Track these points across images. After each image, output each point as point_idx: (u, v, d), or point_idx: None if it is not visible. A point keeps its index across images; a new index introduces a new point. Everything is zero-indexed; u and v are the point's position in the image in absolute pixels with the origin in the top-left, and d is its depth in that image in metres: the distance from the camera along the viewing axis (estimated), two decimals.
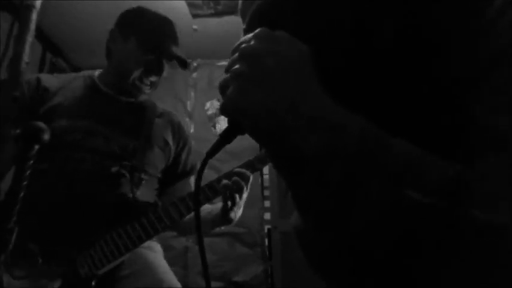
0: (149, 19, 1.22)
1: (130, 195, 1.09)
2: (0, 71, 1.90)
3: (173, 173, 1.28)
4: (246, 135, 0.38)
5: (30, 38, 0.72)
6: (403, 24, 0.36)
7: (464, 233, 0.27)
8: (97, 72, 1.26)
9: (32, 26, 0.72)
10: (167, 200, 1.15)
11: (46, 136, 0.64)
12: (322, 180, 0.32)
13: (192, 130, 2.60)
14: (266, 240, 2.30)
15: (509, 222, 0.26)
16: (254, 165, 1.12)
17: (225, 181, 1.06)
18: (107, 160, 1.09)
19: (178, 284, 1.10)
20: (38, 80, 1.14)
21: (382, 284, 0.32)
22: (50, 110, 1.10)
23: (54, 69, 2.65)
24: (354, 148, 0.31)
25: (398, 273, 0.30)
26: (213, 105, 2.66)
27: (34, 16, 0.73)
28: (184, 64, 1.23)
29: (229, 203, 1.08)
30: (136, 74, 1.17)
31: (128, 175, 1.11)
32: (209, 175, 1.15)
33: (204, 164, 0.41)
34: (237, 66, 0.37)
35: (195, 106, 2.69)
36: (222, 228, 1.19)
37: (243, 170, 1.09)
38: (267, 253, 2.28)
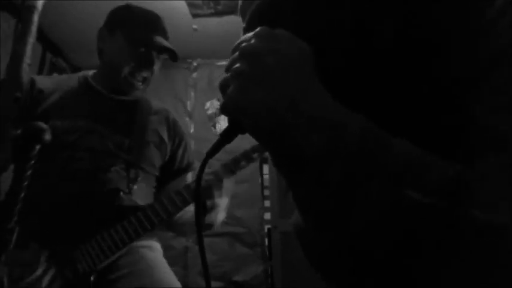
0: (135, 13, 1.22)
1: (127, 190, 1.09)
2: (0, 71, 1.90)
3: (169, 170, 1.28)
4: (246, 135, 0.38)
5: (31, 39, 0.71)
6: (403, 24, 0.36)
7: (464, 233, 0.27)
8: (91, 72, 1.26)
9: (34, 28, 0.71)
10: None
11: (47, 136, 0.65)
12: (322, 180, 0.32)
13: (192, 130, 2.60)
14: (266, 240, 2.31)
15: (509, 222, 0.26)
16: (250, 155, 1.11)
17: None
18: (103, 158, 1.10)
19: (178, 284, 1.10)
20: (32, 82, 1.14)
21: (382, 284, 0.32)
22: (46, 110, 1.10)
23: (54, 69, 2.64)
24: (355, 147, 0.31)
25: (399, 273, 0.30)
26: (213, 105, 2.66)
27: (36, 18, 0.72)
28: (174, 56, 1.22)
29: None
30: (127, 69, 1.17)
31: (124, 172, 1.11)
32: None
33: (204, 163, 0.41)
34: (237, 65, 0.37)
35: (195, 106, 2.69)
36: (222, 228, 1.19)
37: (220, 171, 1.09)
38: (267, 253, 2.28)
